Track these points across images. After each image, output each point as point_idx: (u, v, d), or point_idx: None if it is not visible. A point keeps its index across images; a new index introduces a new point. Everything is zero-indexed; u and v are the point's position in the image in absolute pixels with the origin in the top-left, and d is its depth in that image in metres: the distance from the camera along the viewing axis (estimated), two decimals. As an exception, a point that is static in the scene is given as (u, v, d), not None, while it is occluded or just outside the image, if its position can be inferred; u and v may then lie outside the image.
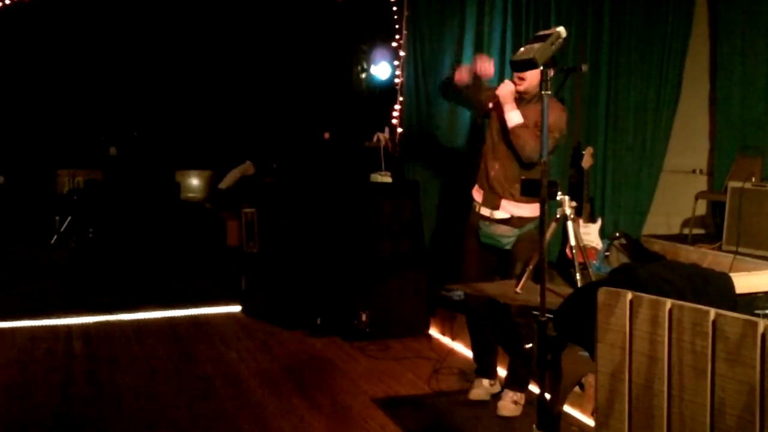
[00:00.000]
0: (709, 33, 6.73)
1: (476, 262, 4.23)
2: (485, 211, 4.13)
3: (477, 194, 4.21)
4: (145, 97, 9.71)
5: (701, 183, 6.70)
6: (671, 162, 6.45)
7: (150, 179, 9.12)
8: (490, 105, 4.24)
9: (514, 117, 3.98)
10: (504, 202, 4.07)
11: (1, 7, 6.21)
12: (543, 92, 2.80)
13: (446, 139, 6.25)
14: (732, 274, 2.39)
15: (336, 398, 4.13)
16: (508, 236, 4.08)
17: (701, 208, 6.43)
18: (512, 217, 4.06)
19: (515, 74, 4.07)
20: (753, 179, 5.59)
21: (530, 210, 4.02)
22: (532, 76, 3.97)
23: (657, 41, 6.21)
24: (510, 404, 3.97)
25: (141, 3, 8.54)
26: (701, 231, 6.50)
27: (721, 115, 6.53)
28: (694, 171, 6.73)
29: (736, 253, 5.25)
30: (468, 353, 4.91)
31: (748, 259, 5.24)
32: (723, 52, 6.45)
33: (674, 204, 6.60)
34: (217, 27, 9.32)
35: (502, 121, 4.07)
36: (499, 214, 4.09)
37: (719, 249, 5.62)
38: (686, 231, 6.33)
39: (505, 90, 4.03)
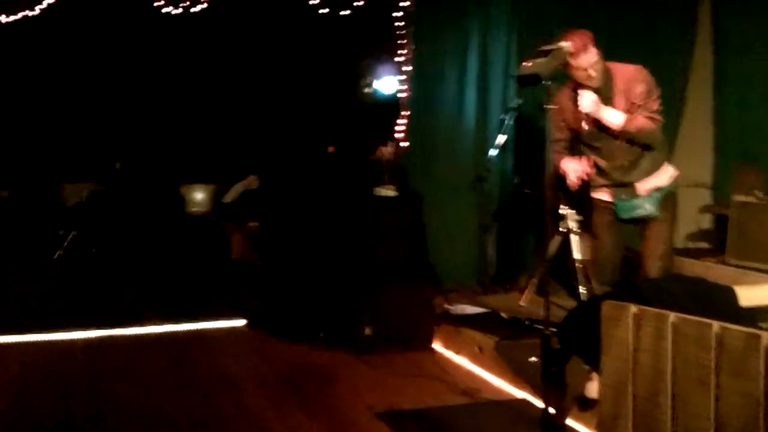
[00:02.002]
0: (712, 45, 6.74)
1: (610, 234, 4.29)
2: (621, 196, 4.18)
3: (599, 193, 4.25)
4: (150, 111, 9.74)
5: (704, 196, 6.69)
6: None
7: (155, 193, 9.14)
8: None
9: (615, 117, 3.93)
10: (638, 185, 4.11)
11: (9, 21, 6.26)
12: (545, 106, 2.82)
13: (449, 151, 6.27)
14: (735, 288, 2.39)
15: (339, 411, 4.12)
16: (650, 201, 4.12)
17: (705, 221, 6.42)
18: (652, 188, 4.14)
19: (584, 77, 3.98)
20: (756, 192, 5.59)
21: (665, 174, 4.13)
22: (589, 64, 3.93)
23: (660, 52, 6.23)
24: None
25: (146, 17, 8.59)
26: (705, 245, 6.50)
27: (724, 127, 6.54)
28: (697, 184, 6.72)
29: (740, 266, 5.24)
30: (470, 366, 4.91)
31: (751, 272, 5.23)
32: (726, 63, 6.47)
33: (677, 217, 6.59)
34: (223, 41, 9.36)
35: (593, 133, 4.08)
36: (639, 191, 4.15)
37: (723, 263, 5.62)
38: (690, 245, 6.32)
39: (589, 103, 3.95)
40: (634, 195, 4.12)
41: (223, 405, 4.21)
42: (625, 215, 4.18)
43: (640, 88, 3.92)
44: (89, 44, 9.17)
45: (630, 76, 3.99)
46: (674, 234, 4.42)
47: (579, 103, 3.99)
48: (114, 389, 4.44)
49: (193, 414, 4.04)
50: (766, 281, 4.85)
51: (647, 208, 4.11)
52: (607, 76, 4.00)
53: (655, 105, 3.93)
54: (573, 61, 3.89)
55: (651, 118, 3.90)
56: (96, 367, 4.88)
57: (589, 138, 4.11)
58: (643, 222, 4.21)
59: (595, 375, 4.02)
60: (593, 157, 4.19)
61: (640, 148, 4.04)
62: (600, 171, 4.18)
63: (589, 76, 3.96)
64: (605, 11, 6.43)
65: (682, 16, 6.51)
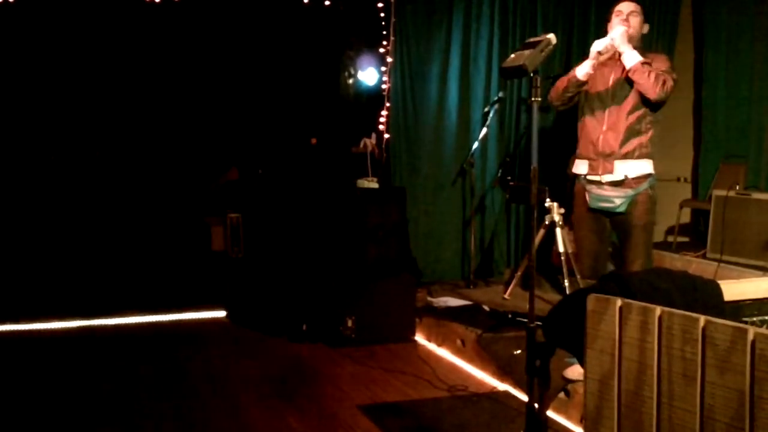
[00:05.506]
0: (693, 42, 6.80)
1: (588, 228, 4.24)
2: (594, 177, 4.13)
3: (580, 167, 4.22)
4: (129, 100, 9.65)
5: (685, 191, 6.74)
6: (656, 170, 6.49)
7: (134, 182, 9.06)
8: (584, 78, 4.19)
9: (633, 56, 3.98)
10: (617, 164, 4.05)
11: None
12: (533, 99, 2.80)
13: (433, 144, 6.27)
14: (720, 282, 2.39)
15: (321, 405, 4.11)
16: (621, 197, 4.06)
17: (685, 216, 6.47)
18: (626, 179, 4.06)
19: (621, 19, 4.08)
20: (737, 187, 5.64)
21: (644, 166, 4.06)
22: (636, 23, 4.07)
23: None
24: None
25: (126, 5, 8.49)
26: (685, 239, 6.55)
27: (706, 124, 6.59)
28: (678, 179, 6.77)
29: (720, 261, 5.28)
30: (452, 359, 4.92)
31: (731, 266, 5.28)
32: (708, 60, 6.51)
33: (659, 212, 6.63)
34: (202, 32, 9.28)
35: (608, 81, 4.08)
36: (609, 177, 4.08)
37: (703, 257, 5.66)
38: (671, 239, 6.37)
39: (620, 31, 4.03)
40: (610, 173, 4.07)
41: (207, 401, 4.18)
42: (593, 204, 4.17)
43: (663, 65, 4.02)
44: (66, 35, 9.05)
45: (657, 55, 4.13)
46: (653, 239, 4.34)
47: (610, 33, 4.07)
48: (96, 383, 4.41)
49: (178, 413, 4.02)
50: (746, 276, 4.89)
51: (616, 202, 4.10)
52: (640, 51, 4.05)
53: (670, 77, 3.96)
54: (616, 7, 4.09)
55: (664, 78, 3.93)
56: (76, 359, 4.84)
57: (602, 97, 4.09)
58: (620, 226, 4.17)
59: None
60: (590, 123, 4.16)
61: (637, 121, 4.01)
62: (589, 139, 4.15)
63: (626, 21, 4.07)
64: (587, 7, 6.44)
65: (664, 14, 6.54)
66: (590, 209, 4.19)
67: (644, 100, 3.99)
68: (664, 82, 3.92)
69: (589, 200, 4.17)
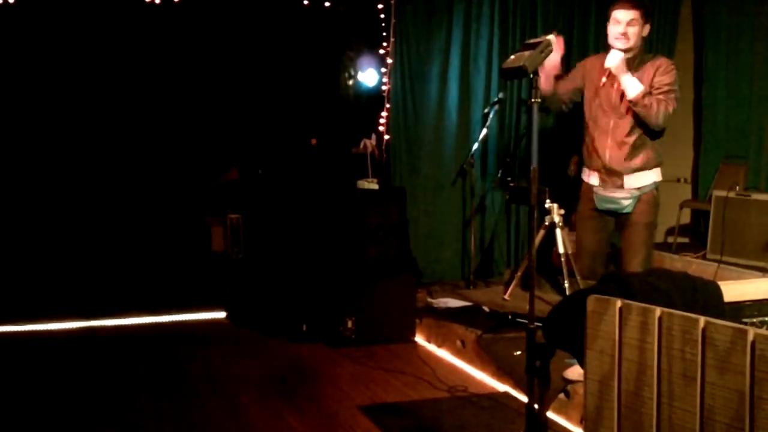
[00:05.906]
0: (693, 42, 6.80)
1: (591, 228, 4.26)
2: (608, 185, 4.14)
3: (591, 178, 4.22)
4: (129, 101, 9.64)
5: (685, 192, 6.74)
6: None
7: (134, 183, 9.06)
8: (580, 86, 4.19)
9: (634, 86, 3.90)
10: (626, 179, 4.08)
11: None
12: (533, 100, 2.80)
13: (433, 144, 6.27)
14: (720, 283, 2.40)
15: (321, 405, 4.11)
16: (627, 197, 4.10)
17: (685, 216, 6.47)
18: (634, 187, 4.11)
19: (618, 32, 3.95)
20: (737, 188, 5.64)
21: (652, 176, 4.10)
22: (634, 33, 3.94)
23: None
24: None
25: (126, 6, 8.49)
26: (685, 240, 6.55)
27: (706, 124, 6.59)
28: (678, 180, 6.77)
29: (720, 261, 5.28)
30: (452, 360, 4.92)
31: (732, 267, 5.28)
32: (708, 60, 6.52)
33: (659, 213, 6.64)
34: (203, 33, 9.28)
35: (611, 96, 4.04)
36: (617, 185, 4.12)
37: (703, 258, 5.66)
38: (671, 240, 6.37)
39: (616, 60, 3.91)
40: (620, 187, 4.10)
41: (208, 402, 4.18)
42: (600, 205, 4.19)
43: (667, 79, 3.96)
44: (66, 35, 9.04)
45: (660, 64, 4.01)
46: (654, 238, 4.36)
47: (607, 59, 3.96)
48: (96, 383, 4.41)
49: (179, 414, 4.02)
50: (746, 277, 4.89)
51: (623, 203, 4.12)
52: (641, 56, 4.02)
53: (672, 97, 3.93)
54: (614, 11, 3.95)
55: (666, 104, 3.90)
56: (76, 359, 4.84)
57: (606, 108, 4.07)
58: (623, 224, 4.19)
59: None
60: (595, 133, 4.15)
61: (642, 134, 4.02)
62: (596, 151, 4.15)
63: (624, 35, 3.93)
64: (587, 7, 6.44)
65: (664, 14, 6.54)
66: (596, 209, 4.21)
67: (644, 124, 3.99)
68: (666, 108, 3.89)
69: (596, 201, 4.19)
